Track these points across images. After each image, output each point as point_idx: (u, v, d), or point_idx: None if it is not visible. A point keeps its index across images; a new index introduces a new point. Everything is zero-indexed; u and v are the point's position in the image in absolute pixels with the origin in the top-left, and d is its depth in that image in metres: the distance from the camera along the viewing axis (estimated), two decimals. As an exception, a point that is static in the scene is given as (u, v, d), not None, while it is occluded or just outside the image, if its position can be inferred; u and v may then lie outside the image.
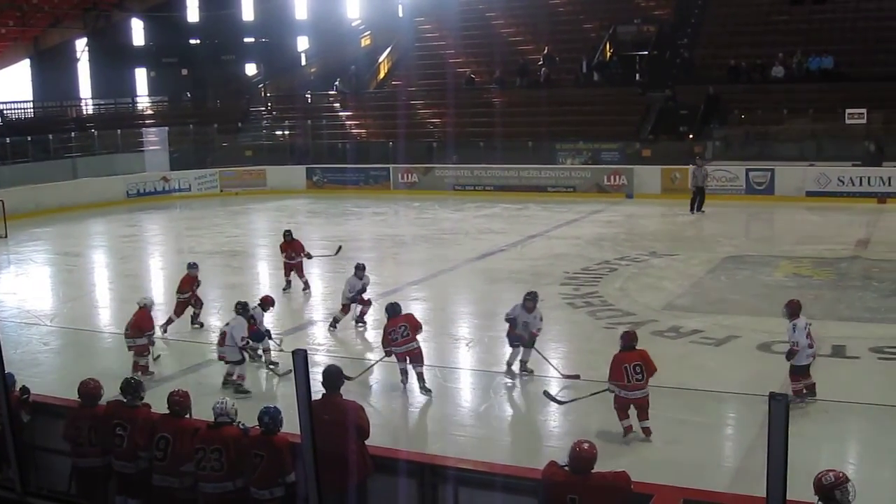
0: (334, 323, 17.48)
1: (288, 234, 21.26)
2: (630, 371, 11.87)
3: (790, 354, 12.79)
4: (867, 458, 11.57)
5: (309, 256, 21.19)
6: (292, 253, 21.11)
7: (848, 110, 34.39)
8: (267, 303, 15.85)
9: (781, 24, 41.26)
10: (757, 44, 40.30)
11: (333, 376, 8.85)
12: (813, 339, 12.91)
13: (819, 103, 35.98)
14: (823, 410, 11.77)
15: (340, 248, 22.21)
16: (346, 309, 17.54)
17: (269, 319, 16.18)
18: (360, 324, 17.82)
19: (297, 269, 21.12)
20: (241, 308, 14.67)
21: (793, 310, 13.04)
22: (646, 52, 42.94)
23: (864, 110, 34.26)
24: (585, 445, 7.59)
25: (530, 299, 14.53)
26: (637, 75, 42.63)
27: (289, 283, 21.18)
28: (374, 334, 16.69)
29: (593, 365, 14.07)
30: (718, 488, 8.89)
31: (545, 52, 43.50)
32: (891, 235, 26.57)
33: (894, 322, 17.19)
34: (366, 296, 17.62)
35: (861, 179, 32.45)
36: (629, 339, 12.31)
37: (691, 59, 41.74)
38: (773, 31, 40.93)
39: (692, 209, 30.79)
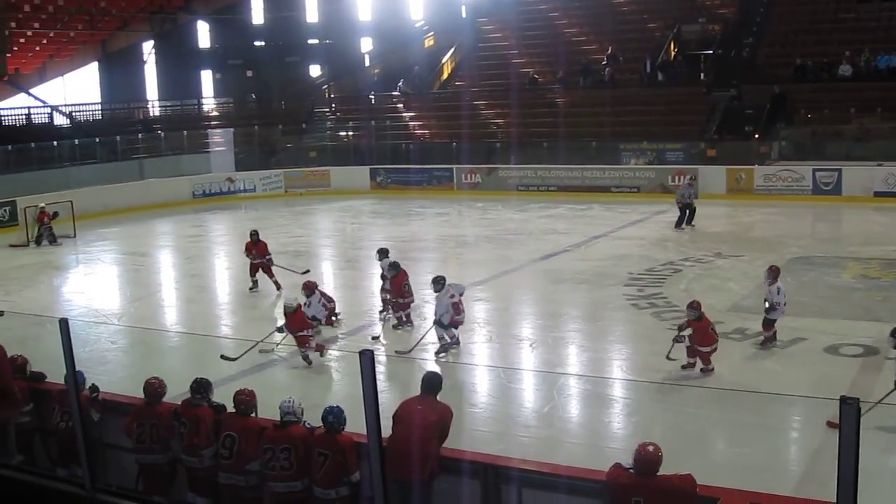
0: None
1: (254, 235, 21.58)
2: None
3: (771, 310, 15.51)
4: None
5: (271, 262, 21.38)
6: (256, 253, 21.38)
7: (917, 109, 33.93)
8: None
9: (849, 22, 40.65)
10: (824, 42, 39.77)
11: (433, 381, 9.14)
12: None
13: (888, 102, 35.34)
14: (889, 411, 11.59)
15: (308, 271, 21.76)
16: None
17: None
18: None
19: (265, 269, 21.42)
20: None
21: (774, 275, 15.84)
22: (710, 52, 42.60)
23: (934, 109, 33.77)
24: (650, 448, 7.56)
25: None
26: (702, 74, 42.33)
27: (255, 283, 21.49)
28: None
29: (656, 367, 13.97)
30: (784, 492, 8.81)
31: (609, 51, 43.30)
32: (961, 237, 26.11)
33: (965, 325, 16.87)
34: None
35: (929, 179, 31.97)
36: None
37: (757, 57, 41.30)
38: (840, 28, 40.34)
39: (679, 224, 28.73)
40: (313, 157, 43.38)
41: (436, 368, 14.63)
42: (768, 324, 15.64)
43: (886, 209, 30.55)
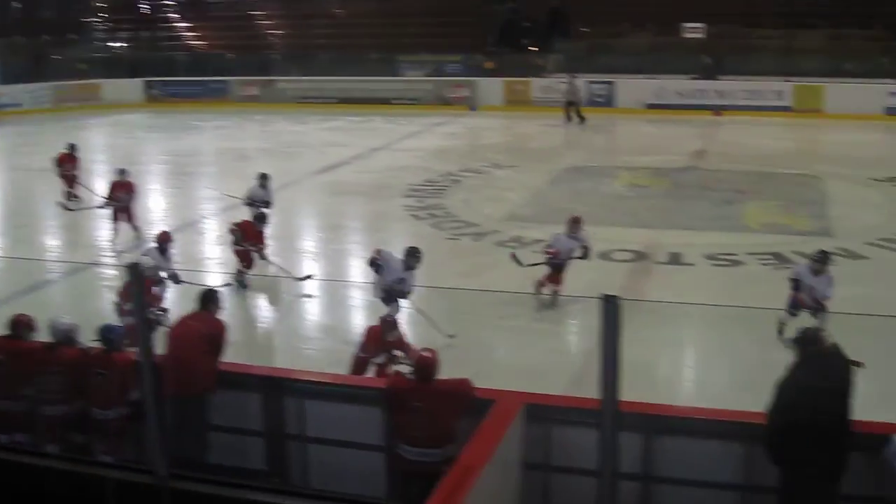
0: None
1: (72, 148, 21.13)
2: None
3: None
4: (703, 359, 12.05)
5: (76, 179, 20.78)
6: (70, 167, 20.83)
7: (686, 24, 35.11)
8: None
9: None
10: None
11: (207, 296, 9.12)
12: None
13: (658, 17, 36.48)
14: (657, 312, 12.11)
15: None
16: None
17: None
18: None
19: (70, 183, 20.80)
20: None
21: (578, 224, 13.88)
22: (490, -37, 42.82)
23: (702, 24, 35.01)
24: (427, 354, 7.69)
25: (819, 261, 11.52)
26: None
27: (71, 195, 20.77)
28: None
29: (437, 278, 14.11)
30: (559, 392, 9.09)
31: (388, -38, 43.04)
32: (725, 147, 27.34)
33: (727, 230, 17.74)
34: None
35: (698, 92, 33.27)
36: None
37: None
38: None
39: (568, 119, 31.62)
40: (83, 69, 41.65)
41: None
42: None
43: (657, 121, 31.72)
